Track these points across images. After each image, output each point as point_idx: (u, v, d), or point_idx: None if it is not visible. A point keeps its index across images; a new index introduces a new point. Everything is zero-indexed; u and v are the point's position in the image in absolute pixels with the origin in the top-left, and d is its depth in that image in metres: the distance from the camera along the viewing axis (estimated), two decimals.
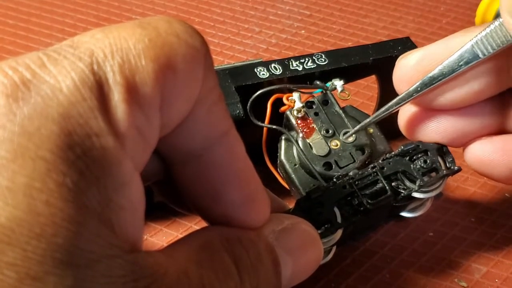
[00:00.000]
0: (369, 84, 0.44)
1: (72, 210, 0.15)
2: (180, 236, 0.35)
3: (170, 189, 0.23)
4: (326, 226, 0.26)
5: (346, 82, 0.34)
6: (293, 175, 0.31)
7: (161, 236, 0.35)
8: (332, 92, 0.33)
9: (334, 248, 0.27)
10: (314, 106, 0.32)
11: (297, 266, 0.23)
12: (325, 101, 0.33)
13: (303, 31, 0.50)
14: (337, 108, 0.33)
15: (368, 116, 0.33)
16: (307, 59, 0.36)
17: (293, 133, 0.32)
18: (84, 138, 0.16)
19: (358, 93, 0.44)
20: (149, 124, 0.18)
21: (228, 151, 0.21)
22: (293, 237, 0.23)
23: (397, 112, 0.30)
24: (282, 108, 0.33)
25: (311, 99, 0.33)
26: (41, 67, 0.17)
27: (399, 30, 0.51)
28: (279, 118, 0.33)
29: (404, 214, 0.30)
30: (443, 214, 0.36)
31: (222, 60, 0.47)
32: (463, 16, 0.52)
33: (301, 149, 0.31)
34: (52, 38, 0.49)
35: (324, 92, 0.33)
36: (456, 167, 0.29)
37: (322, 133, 0.31)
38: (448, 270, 0.33)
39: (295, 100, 0.32)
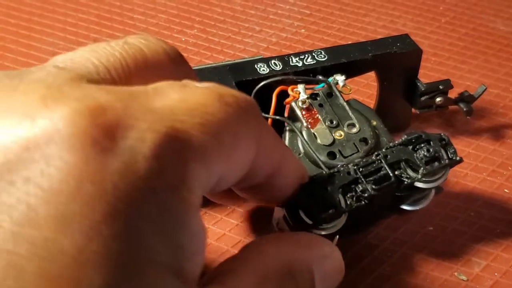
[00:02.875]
0: (369, 83, 0.44)
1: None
2: (212, 228, 0.35)
3: None
4: (330, 211, 0.26)
5: (346, 78, 0.34)
6: None
7: None
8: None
9: (337, 238, 0.27)
10: (318, 98, 0.33)
11: None
12: (329, 94, 0.33)
13: (303, 30, 0.51)
14: (342, 101, 0.33)
15: (371, 110, 0.34)
16: (306, 55, 0.36)
17: (297, 124, 0.32)
18: (166, 190, 0.16)
19: (358, 91, 0.44)
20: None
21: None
22: (329, 265, 0.23)
23: (399, 106, 0.30)
24: (287, 100, 0.33)
25: (315, 91, 0.33)
26: (128, 120, 0.17)
27: (398, 29, 0.51)
28: (282, 110, 0.34)
29: (405, 207, 0.30)
30: (443, 209, 0.36)
31: (223, 59, 0.47)
32: (462, 16, 0.52)
33: (305, 139, 0.31)
34: (54, 37, 0.49)
35: (326, 85, 0.33)
36: (458, 158, 0.29)
37: (326, 123, 0.32)
38: (448, 263, 0.33)
39: (300, 92, 0.32)
